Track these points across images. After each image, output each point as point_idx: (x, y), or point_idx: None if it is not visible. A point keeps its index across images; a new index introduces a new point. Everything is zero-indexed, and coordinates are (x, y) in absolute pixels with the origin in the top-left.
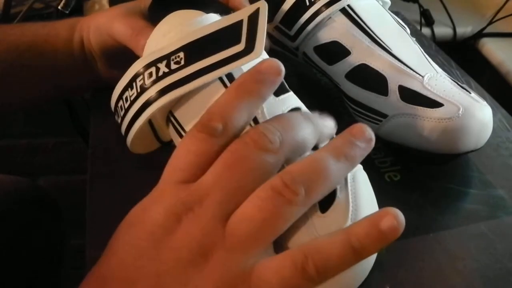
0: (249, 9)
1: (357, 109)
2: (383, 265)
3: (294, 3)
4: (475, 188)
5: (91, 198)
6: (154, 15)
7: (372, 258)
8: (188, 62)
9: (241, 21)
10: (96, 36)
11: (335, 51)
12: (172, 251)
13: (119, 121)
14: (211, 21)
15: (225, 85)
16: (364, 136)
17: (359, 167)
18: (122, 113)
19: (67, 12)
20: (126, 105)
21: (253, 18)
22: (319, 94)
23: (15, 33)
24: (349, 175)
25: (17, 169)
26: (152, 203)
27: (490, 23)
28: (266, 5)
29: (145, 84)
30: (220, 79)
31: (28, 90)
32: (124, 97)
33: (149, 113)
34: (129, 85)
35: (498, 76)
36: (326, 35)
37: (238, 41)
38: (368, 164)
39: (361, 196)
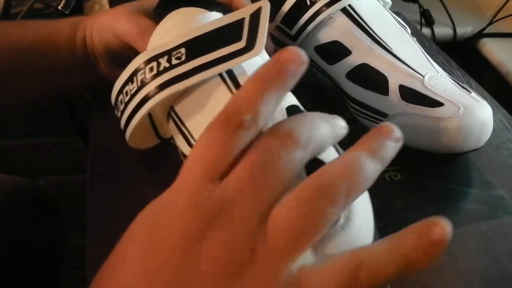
0: (251, 7)
1: (358, 109)
2: None
3: (295, 3)
4: (475, 188)
5: (91, 198)
6: (160, 15)
7: None
8: (189, 58)
9: (242, 19)
10: (99, 35)
11: (336, 51)
12: (208, 257)
13: (119, 115)
14: (213, 19)
15: (225, 82)
16: (394, 135)
17: None
18: (122, 107)
19: (67, 12)
20: (126, 99)
21: (255, 17)
22: (320, 94)
23: (16, 32)
24: None
25: (17, 169)
26: (174, 201)
27: (490, 23)
28: (269, 4)
29: (146, 78)
30: (220, 75)
31: (28, 89)
32: (124, 91)
33: (149, 107)
34: (130, 79)
35: (498, 76)
36: (327, 35)
37: (239, 39)
38: None
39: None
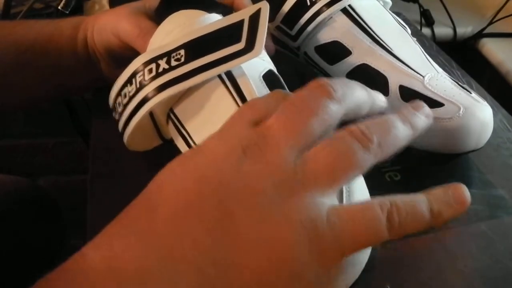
0: (251, 9)
1: None
2: (383, 265)
3: (295, 3)
4: (475, 188)
5: (91, 198)
6: (161, 16)
7: (363, 262)
8: (188, 59)
9: (242, 21)
10: (100, 35)
11: (336, 51)
12: (247, 182)
13: (117, 117)
14: (213, 20)
15: (224, 83)
16: (425, 110)
17: None
18: (120, 109)
19: (67, 12)
20: (125, 101)
21: (254, 18)
22: None
23: (17, 31)
24: None
25: (17, 169)
26: (216, 137)
27: (490, 23)
28: (268, 6)
29: (145, 80)
30: (220, 77)
31: (28, 89)
32: (123, 93)
33: (148, 109)
34: (129, 81)
35: (498, 76)
36: (327, 35)
37: (238, 40)
38: None
39: (354, 180)
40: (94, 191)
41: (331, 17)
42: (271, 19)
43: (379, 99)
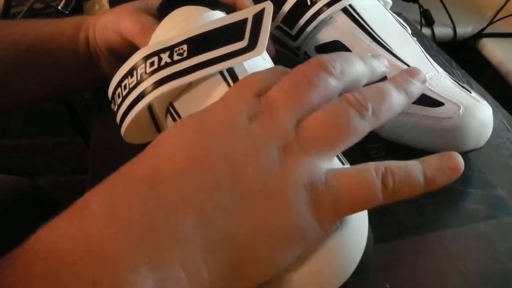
0: (255, 8)
1: None
2: (383, 265)
3: (296, 2)
4: (475, 188)
5: None
6: (163, 14)
7: (354, 263)
8: (190, 54)
9: (246, 19)
10: (102, 34)
11: (336, 51)
12: (254, 142)
13: (115, 109)
14: (216, 17)
15: (225, 80)
16: (420, 77)
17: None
18: (119, 101)
19: (67, 12)
20: (125, 93)
21: (258, 17)
22: None
23: (17, 31)
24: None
25: (17, 169)
26: (219, 104)
27: (490, 23)
28: (272, 6)
29: (146, 73)
30: (221, 74)
31: (29, 89)
32: (123, 84)
33: (147, 101)
34: (130, 73)
35: (498, 76)
36: (327, 35)
37: (241, 38)
38: None
39: None
40: None
41: (332, 17)
42: (271, 19)
43: (379, 67)
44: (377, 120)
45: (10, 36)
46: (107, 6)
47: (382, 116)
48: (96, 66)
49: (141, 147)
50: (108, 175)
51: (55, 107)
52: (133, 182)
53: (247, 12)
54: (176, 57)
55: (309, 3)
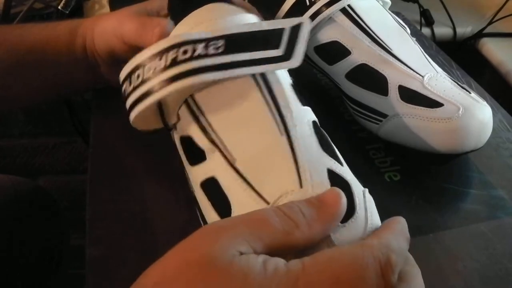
0: (292, 21)
1: (357, 109)
2: None
3: (295, 2)
4: (475, 188)
5: (91, 198)
6: (177, 14)
7: None
8: (227, 51)
9: (283, 29)
10: (101, 38)
11: (335, 51)
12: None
13: (130, 88)
14: (250, 21)
15: (258, 85)
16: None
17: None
18: (138, 81)
19: (67, 12)
20: (149, 74)
21: (295, 30)
22: (320, 94)
23: (15, 36)
24: (364, 193)
25: (17, 169)
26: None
27: (490, 23)
28: (310, 23)
29: (178, 58)
30: (254, 77)
31: (27, 92)
32: (147, 66)
33: (178, 87)
34: (159, 55)
35: (498, 76)
36: (326, 35)
37: (277, 47)
38: (368, 164)
39: (373, 210)
40: (94, 191)
41: (331, 17)
42: (271, 19)
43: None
44: None
45: (9, 41)
46: (107, 6)
47: None
48: (94, 71)
49: (141, 147)
50: (108, 175)
51: (55, 107)
52: None
53: (285, 23)
54: (211, 51)
55: (308, 3)
